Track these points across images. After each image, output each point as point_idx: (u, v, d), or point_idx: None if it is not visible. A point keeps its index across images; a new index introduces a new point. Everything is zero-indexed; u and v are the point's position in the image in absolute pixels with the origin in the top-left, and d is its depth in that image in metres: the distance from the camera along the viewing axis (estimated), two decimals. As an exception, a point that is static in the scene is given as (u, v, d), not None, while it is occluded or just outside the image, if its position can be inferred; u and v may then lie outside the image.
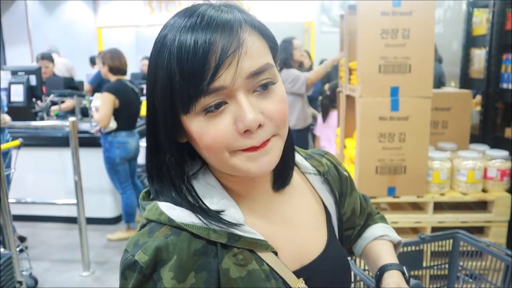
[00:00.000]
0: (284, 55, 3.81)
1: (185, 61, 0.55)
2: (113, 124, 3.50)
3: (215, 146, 0.59)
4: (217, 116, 0.58)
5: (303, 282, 0.67)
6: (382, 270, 0.81)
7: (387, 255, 0.84)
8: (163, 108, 0.60)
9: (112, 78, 3.58)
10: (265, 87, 0.59)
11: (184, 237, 0.60)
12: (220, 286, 0.60)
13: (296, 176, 0.76)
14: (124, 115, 3.56)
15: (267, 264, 0.64)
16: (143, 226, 0.63)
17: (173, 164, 0.63)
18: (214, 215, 0.61)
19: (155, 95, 0.60)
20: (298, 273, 0.67)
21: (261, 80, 0.59)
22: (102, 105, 3.42)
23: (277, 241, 0.67)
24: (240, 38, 0.56)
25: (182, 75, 0.56)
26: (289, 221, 0.71)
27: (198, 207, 0.62)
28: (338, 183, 0.84)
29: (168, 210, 0.62)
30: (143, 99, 4.20)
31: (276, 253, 0.65)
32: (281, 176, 0.72)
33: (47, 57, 4.82)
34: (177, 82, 0.56)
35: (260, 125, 0.58)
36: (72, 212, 3.50)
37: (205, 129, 0.58)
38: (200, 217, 0.61)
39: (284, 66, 3.81)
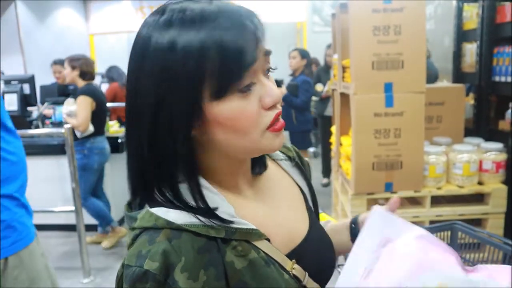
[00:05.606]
0: None
1: (225, 44, 0.57)
2: (91, 127, 3.43)
3: (252, 125, 0.61)
4: (249, 96, 0.61)
5: (296, 263, 0.69)
6: (354, 220, 0.85)
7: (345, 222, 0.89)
8: (184, 100, 0.58)
9: (81, 83, 3.51)
10: (268, 71, 0.65)
11: (185, 238, 0.59)
12: (227, 279, 0.60)
13: (270, 165, 0.80)
14: (98, 119, 3.50)
15: (263, 251, 0.65)
16: (136, 237, 0.61)
17: (183, 158, 0.61)
18: (210, 213, 0.62)
19: (167, 90, 0.58)
20: (289, 256, 0.69)
21: (268, 63, 0.64)
22: (80, 109, 3.34)
23: (267, 228, 0.68)
24: (259, 21, 0.64)
25: (223, 56, 0.57)
26: (275, 207, 0.74)
27: (195, 207, 0.62)
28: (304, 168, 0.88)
29: (163, 214, 0.61)
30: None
31: (268, 240, 0.67)
32: (259, 160, 0.76)
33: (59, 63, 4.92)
34: (215, 66, 0.57)
35: None
36: (70, 219, 3.49)
37: (242, 108, 0.60)
38: (198, 216, 0.61)
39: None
